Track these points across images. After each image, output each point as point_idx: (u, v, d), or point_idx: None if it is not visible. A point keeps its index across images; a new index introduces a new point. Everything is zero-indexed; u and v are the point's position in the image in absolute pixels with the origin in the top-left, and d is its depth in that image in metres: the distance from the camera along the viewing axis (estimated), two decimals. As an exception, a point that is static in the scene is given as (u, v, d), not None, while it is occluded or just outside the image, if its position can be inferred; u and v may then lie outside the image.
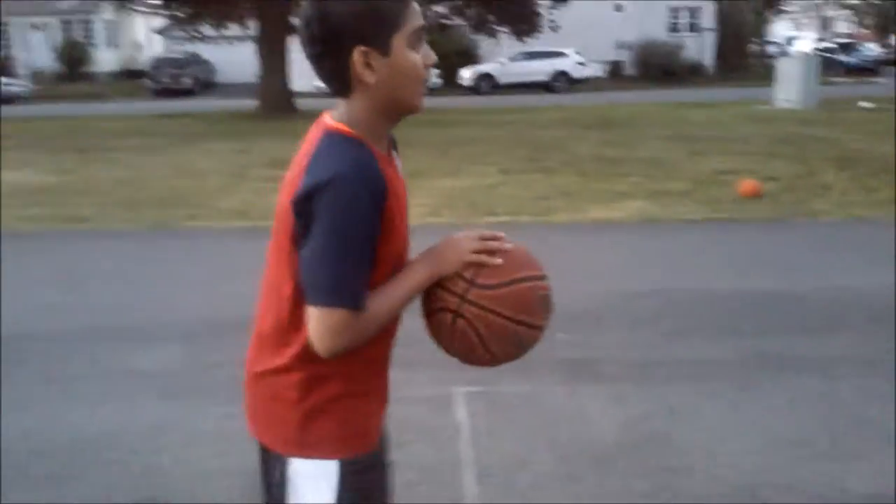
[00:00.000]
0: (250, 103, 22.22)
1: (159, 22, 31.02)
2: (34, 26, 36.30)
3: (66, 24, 36.86)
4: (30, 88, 30.34)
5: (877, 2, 55.24)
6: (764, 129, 15.14)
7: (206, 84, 33.39)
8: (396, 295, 1.49)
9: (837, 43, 40.86)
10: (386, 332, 1.56)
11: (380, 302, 1.47)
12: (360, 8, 1.42)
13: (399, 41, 1.45)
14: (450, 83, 31.39)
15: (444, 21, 24.70)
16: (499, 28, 24.09)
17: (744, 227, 7.47)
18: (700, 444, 3.35)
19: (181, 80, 31.31)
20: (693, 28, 36.53)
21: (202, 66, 33.64)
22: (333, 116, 1.51)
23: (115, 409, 3.77)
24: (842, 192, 8.89)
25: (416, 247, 1.58)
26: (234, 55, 32.43)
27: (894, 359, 4.13)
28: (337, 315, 1.42)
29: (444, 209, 8.19)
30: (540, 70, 29.90)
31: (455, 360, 1.59)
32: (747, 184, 8.88)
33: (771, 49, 43.58)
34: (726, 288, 5.45)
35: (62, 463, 3.28)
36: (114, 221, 8.05)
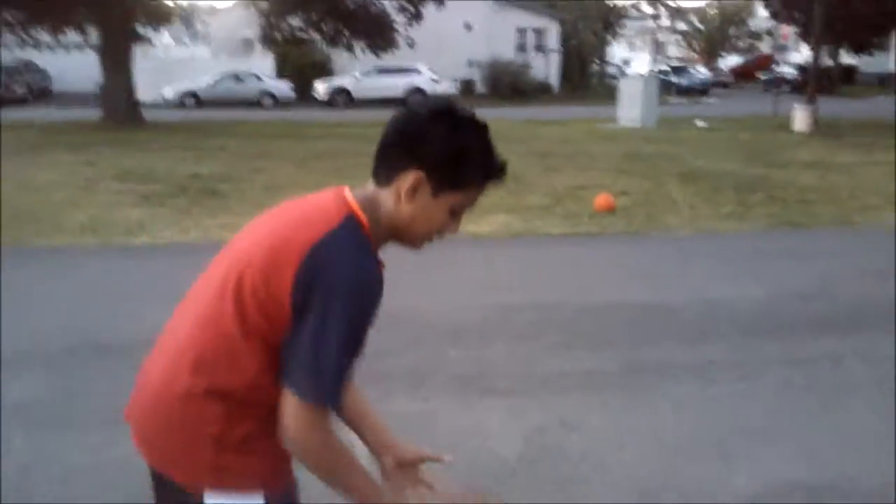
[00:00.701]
0: (92, 113, 21.09)
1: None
2: None
3: None
4: None
5: (702, 28, 59.24)
6: (611, 146, 15.86)
7: (41, 92, 31.48)
8: (358, 485, 1.51)
9: (670, 66, 43.42)
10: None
11: (350, 468, 1.50)
12: (451, 154, 1.48)
13: (447, 200, 1.51)
14: (304, 97, 31.04)
15: (299, 34, 24.43)
16: (354, 42, 24.06)
17: (604, 241, 7.79)
18: (595, 454, 3.44)
19: (13, 89, 29.33)
20: (539, 48, 37.86)
21: (37, 74, 31.70)
22: (356, 198, 1.51)
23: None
24: (690, 207, 9.43)
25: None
26: (71, 63, 30.79)
27: (764, 362, 4.41)
28: (307, 410, 1.42)
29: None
30: (395, 85, 30.03)
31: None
32: (602, 198, 9.26)
33: (610, 69, 45.81)
34: (600, 301, 5.65)
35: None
36: (-49, 240, 7.41)
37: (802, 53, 43.86)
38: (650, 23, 58.93)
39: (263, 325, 1.44)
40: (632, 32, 64.58)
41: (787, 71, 39.62)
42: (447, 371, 4.24)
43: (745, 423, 3.73)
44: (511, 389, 4.10)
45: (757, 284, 6.10)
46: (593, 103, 30.27)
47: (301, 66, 32.80)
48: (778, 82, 30.59)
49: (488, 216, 8.70)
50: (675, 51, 66.31)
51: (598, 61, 44.25)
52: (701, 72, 41.92)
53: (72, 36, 22.62)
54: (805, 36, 30.22)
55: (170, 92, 29.52)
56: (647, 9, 56.37)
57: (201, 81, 30.23)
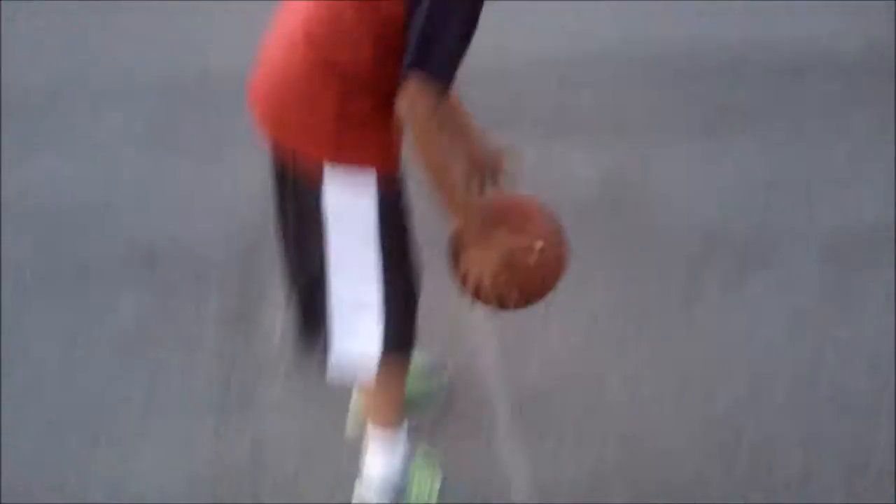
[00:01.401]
0: None
1: None
2: None
3: None
4: None
5: None
6: None
7: None
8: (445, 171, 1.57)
9: None
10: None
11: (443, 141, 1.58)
12: None
13: None
14: None
15: None
16: None
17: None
18: (671, 194, 3.50)
19: None
20: None
21: None
22: None
23: (99, 168, 3.71)
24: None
25: None
26: None
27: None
28: (431, 88, 1.42)
29: None
30: None
31: None
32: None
33: None
34: (687, 35, 5.30)
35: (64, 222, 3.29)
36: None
37: None
38: None
39: None
40: None
41: None
42: (528, 110, 4.24)
43: (833, 169, 3.70)
44: (591, 127, 4.09)
45: (859, 21, 5.69)
46: None
47: None
48: None
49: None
50: None
51: None
52: None
53: None
54: None
55: None
56: None
57: None
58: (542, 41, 4.82)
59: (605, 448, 2.30)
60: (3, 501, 2.16)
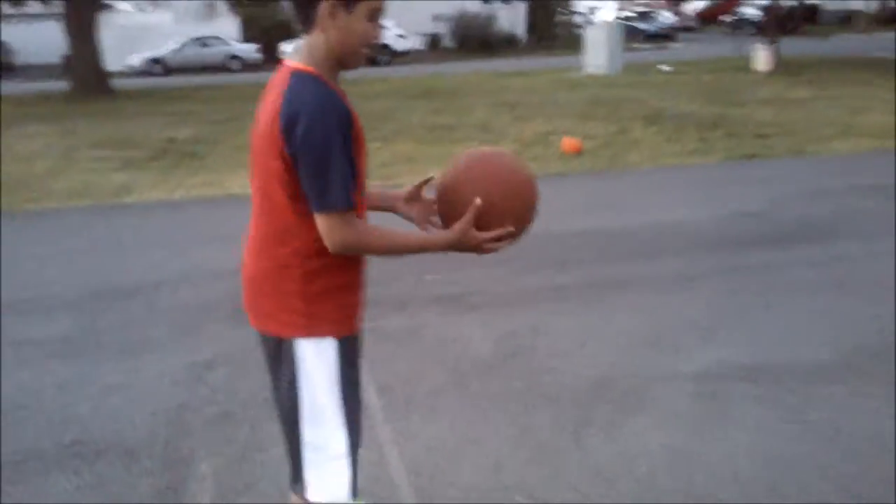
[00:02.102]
0: (58, 84, 21.16)
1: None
2: None
3: None
4: None
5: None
6: (578, 93, 16.30)
7: (6, 67, 31.25)
8: (396, 241, 1.91)
9: (636, 12, 43.66)
10: None
11: (383, 235, 1.89)
12: None
13: (361, 9, 1.84)
14: (271, 58, 31.03)
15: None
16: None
17: (570, 179, 8.29)
18: (561, 349, 3.98)
19: (-25, 64, 29.17)
20: (505, 0, 37.93)
21: (-2, 48, 31.46)
22: (295, 58, 1.89)
23: (26, 373, 3.92)
24: (652, 146, 9.95)
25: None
26: (34, 34, 30.56)
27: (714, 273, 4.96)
28: (332, 218, 1.82)
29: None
30: (361, 43, 30.08)
31: None
32: (568, 142, 9.75)
33: (577, 18, 45.90)
34: (565, 229, 6.16)
35: (-22, 423, 3.44)
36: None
37: (766, -6, 44.16)
38: (615, -31, 58.84)
39: (293, 184, 1.83)
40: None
41: (751, 13, 40.00)
42: (429, 293, 4.75)
43: (694, 321, 4.29)
44: (485, 304, 4.62)
45: (710, 208, 6.66)
46: (560, 53, 30.57)
47: (267, 28, 32.77)
48: (741, 24, 30.97)
49: (460, 163, 9.15)
50: (641, -3, 66.30)
51: (564, 10, 44.35)
52: (666, 17, 42.24)
53: (33, 6, 22.51)
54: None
55: (135, 59, 29.49)
56: (611, -45, 56.29)
57: (166, 47, 30.20)
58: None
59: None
60: None
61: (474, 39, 34.43)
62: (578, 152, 9.52)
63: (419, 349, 4.09)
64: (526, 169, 2.09)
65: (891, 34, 32.49)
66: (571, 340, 4.10)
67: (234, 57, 30.13)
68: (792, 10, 41.10)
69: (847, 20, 41.52)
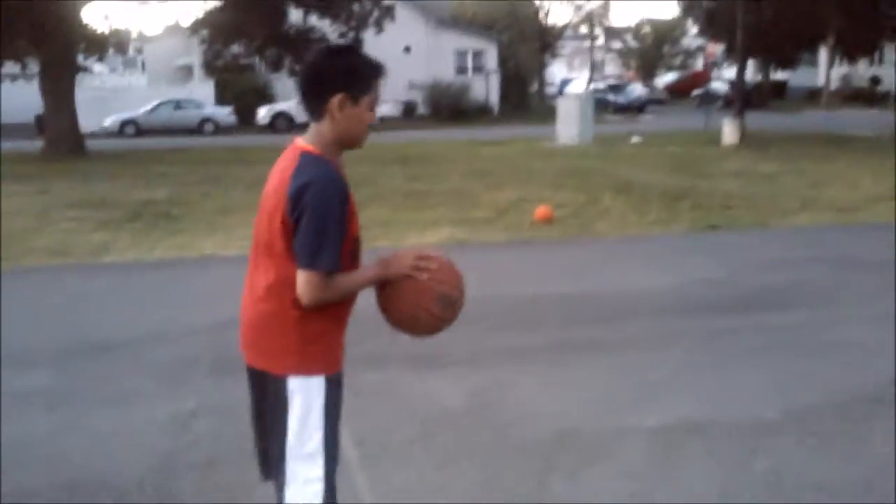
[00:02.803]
0: (32, 144, 21.46)
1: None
2: None
3: None
4: None
5: (636, 47, 61.29)
6: (550, 163, 16.90)
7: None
8: (356, 280, 2.28)
9: (608, 85, 45.09)
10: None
11: (346, 279, 2.25)
12: (352, 72, 2.25)
13: (365, 101, 2.25)
14: (246, 122, 31.61)
15: (241, 62, 25.11)
16: (297, 68, 24.86)
17: (540, 247, 8.69)
18: (527, 404, 4.29)
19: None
20: (478, 70, 39.07)
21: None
22: (305, 140, 2.28)
23: (14, 422, 4.15)
24: (620, 215, 10.42)
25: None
26: (10, 94, 30.93)
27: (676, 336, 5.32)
28: (316, 276, 2.18)
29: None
30: (336, 109, 30.76)
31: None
32: (540, 210, 10.20)
33: (549, 89, 47.28)
34: (532, 293, 6.53)
35: (-30, 467, 3.67)
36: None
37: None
38: (587, 43, 60.85)
39: (291, 245, 2.19)
40: (569, 52, 66.52)
41: (720, 87, 41.51)
42: (400, 352, 5.06)
43: (651, 380, 4.63)
44: (455, 362, 4.93)
45: (671, 276, 7.07)
46: (533, 123, 31.47)
47: (242, 93, 33.43)
48: (710, 98, 32.16)
49: (433, 229, 9.56)
50: (613, 69, 68.47)
51: (536, 82, 45.69)
52: (637, 90, 43.65)
53: (9, 66, 22.91)
54: (731, 52, 31.90)
55: (109, 121, 29.91)
56: (584, 29, 58.27)
57: (140, 109, 30.67)
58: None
59: None
60: None
61: (447, 108, 35.34)
62: (550, 221, 9.95)
63: (392, 403, 4.38)
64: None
65: (853, 111, 33.89)
66: (536, 396, 4.42)
67: (208, 120, 30.65)
68: (759, 85, 42.80)
69: (813, 96, 43.18)
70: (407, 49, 36.48)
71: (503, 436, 3.95)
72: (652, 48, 61.72)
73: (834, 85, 42.35)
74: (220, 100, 33.34)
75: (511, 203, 11.43)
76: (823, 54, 42.89)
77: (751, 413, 4.17)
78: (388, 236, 9.02)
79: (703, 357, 5.03)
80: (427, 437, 3.96)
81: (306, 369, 2.30)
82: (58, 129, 20.20)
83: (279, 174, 2.26)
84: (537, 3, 48.59)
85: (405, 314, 2.33)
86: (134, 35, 36.77)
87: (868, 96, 41.57)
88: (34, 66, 21.04)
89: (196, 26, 25.54)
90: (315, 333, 2.29)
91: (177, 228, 9.93)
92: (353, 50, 2.33)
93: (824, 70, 42.43)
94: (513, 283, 6.93)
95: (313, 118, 2.29)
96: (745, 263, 7.58)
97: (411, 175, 15.17)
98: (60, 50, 19.78)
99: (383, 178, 14.80)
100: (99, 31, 23.77)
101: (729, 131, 20.53)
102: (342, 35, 24.87)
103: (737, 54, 24.55)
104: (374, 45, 29.79)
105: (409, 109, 35.83)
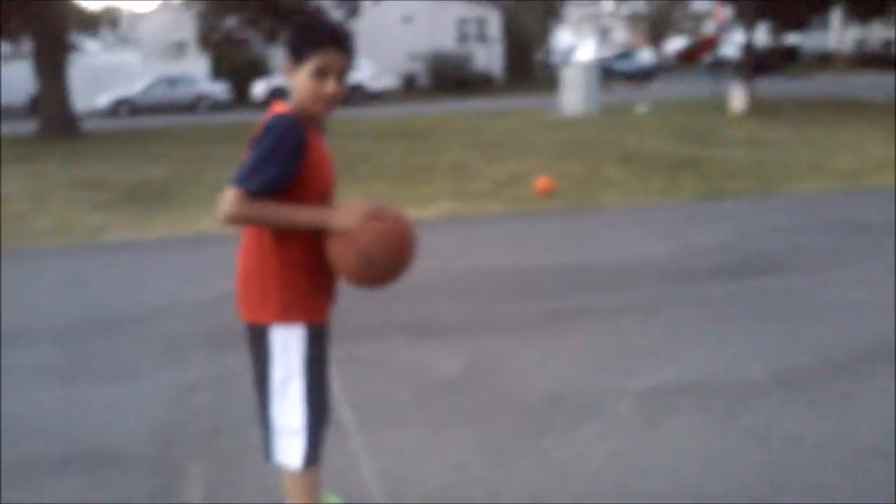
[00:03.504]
0: (24, 126, 21.65)
1: None
2: None
3: None
4: None
5: (646, 13, 60.98)
6: (553, 134, 17.04)
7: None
8: (291, 213, 2.40)
9: (616, 53, 44.99)
10: (302, 240, 2.47)
11: (277, 207, 2.39)
12: (295, 35, 2.45)
13: (305, 67, 2.42)
14: (241, 98, 31.74)
15: (234, 37, 25.21)
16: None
17: (540, 218, 8.88)
18: (519, 372, 4.50)
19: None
20: (481, 38, 39.04)
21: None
22: (283, 104, 2.50)
23: (19, 394, 4.38)
24: (623, 186, 10.59)
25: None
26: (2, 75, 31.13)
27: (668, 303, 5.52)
28: (236, 192, 2.35)
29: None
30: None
31: None
32: (541, 182, 10.37)
33: (555, 58, 47.17)
34: (532, 264, 6.73)
35: (-20, 439, 3.90)
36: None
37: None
38: (594, 8, 60.55)
39: None
40: (576, 18, 66.20)
41: (731, 52, 41.42)
42: (397, 322, 5.27)
43: (645, 346, 4.83)
44: (451, 332, 5.14)
45: (671, 244, 7.26)
46: (537, 93, 31.55)
47: (237, 67, 33.54)
48: (720, 64, 32.14)
49: (433, 202, 9.75)
50: (622, 36, 68.14)
51: (541, 50, 45.56)
52: (645, 56, 43.59)
53: (3, 47, 23.07)
54: (741, 16, 31.82)
55: (103, 100, 30.08)
56: (590, -6, 57.95)
57: (134, 87, 30.82)
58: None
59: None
60: None
61: (450, 79, 35.37)
62: (551, 192, 10.12)
63: (388, 371, 4.59)
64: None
65: (867, 75, 33.80)
66: (531, 363, 4.63)
67: (204, 97, 30.81)
68: (770, 50, 42.66)
69: (826, 60, 43.05)
70: (406, 19, 36.47)
71: (498, 400, 4.16)
72: (660, 14, 61.44)
73: (847, 49, 42.20)
74: (216, 75, 33.46)
75: (512, 176, 11.61)
76: (836, 17, 42.69)
77: (739, 374, 4.37)
78: (387, 210, 9.21)
79: (697, 322, 5.22)
80: (423, 402, 4.17)
81: (286, 316, 2.51)
82: (52, 110, 20.40)
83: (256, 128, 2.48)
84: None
85: (330, 257, 2.47)
86: (127, 12, 36.81)
87: (882, 60, 41.44)
88: (28, 46, 21.17)
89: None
90: (293, 283, 2.50)
91: (174, 206, 10.14)
92: (308, 18, 2.59)
93: (837, 33, 42.26)
94: (510, 255, 7.12)
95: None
96: (746, 230, 7.75)
97: (411, 149, 15.34)
98: (53, 28, 19.92)
99: (382, 152, 14.98)
100: (91, 9, 23.89)
101: (737, 98, 20.62)
102: (339, 6, 24.92)
103: (748, 15, 24.52)
104: (373, 15, 29.92)
105: (409, 81, 35.89)
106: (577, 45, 56.71)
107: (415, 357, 4.78)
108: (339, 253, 2.43)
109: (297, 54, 2.41)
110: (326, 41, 2.40)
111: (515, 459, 3.56)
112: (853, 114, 18.96)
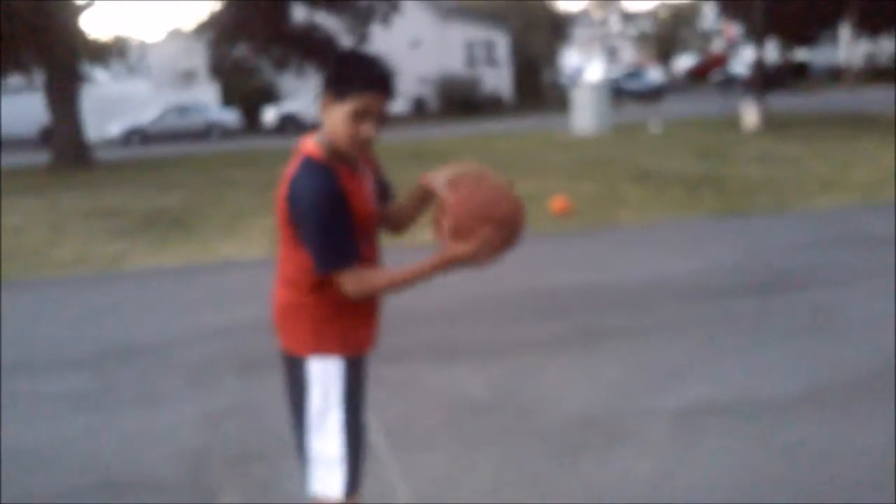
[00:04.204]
0: (39, 156, 21.83)
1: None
2: None
3: None
4: None
5: (652, 32, 61.20)
6: (566, 154, 17.09)
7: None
8: (402, 276, 2.39)
9: (625, 72, 45.15)
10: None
11: (389, 274, 2.41)
12: (341, 69, 2.39)
13: (346, 105, 2.35)
14: (252, 124, 31.95)
15: (244, 64, 25.46)
16: (304, 65, 25.20)
17: (558, 238, 8.90)
18: (549, 391, 4.51)
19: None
20: (490, 61, 39.27)
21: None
22: (315, 138, 2.48)
23: (48, 424, 4.42)
24: (640, 204, 10.61)
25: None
26: (15, 107, 31.46)
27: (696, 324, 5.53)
28: (339, 275, 2.40)
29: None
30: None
31: None
32: (557, 202, 10.40)
33: (563, 78, 47.37)
34: (554, 285, 6.75)
35: (18, 466, 3.93)
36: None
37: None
38: (602, 29, 60.85)
39: (299, 242, 2.43)
40: (584, 39, 66.53)
41: (740, 69, 41.52)
42: (423, 345, 5.29)
43: (673, 365, 4.83)
44: (477, 353, 5.16)
45: (693, 262, 7.27)
46: (547, 113, 31.66)
47: (247, 94, 33.81)
48: (729, 81, 32.21)
49: (450, 225, 9.77)
50: (629, 55, 68.40)
51: (550, 70, 45.78)
52: (654, 75, 43.71)
53: (14, 79, 23.35)
54: (750, 33, 31.92)
55: (114, 129, 30.36)
56: (598, 14, 58.26)
57: (145, 116, 31.09)
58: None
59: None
60: None
61: (458, 101, 35.55)
62: (567, 212, 10.15)
63: (417, 394, 4.61)
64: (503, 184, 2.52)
65: (878, 90, 33.81)
66: (559, 383, 4.64)
67: (215, 124, 31.04)
68: (780, 66, 42.73)
69: (836, 75, 43.10)
70: (415, 43, 36.73)
71: (528, 421, 4.17)
72: (668, 32, 61.68)
73: (857, 63, 42.26)
74: (226, 102, 33.73)
75: (528, 196, 11.62)
76: (845, 32, 42.79)
77: (770, 392, 4.37)
78: (408, 234, 9.25)
79: (724, 340, 5.23)
80: (453, 424, 4.18)
81: (323, 349, 2.53)
82: (65, 140, 20.59)
83: (285, 179, 2.48)
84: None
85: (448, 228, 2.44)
86: (136, 41, 37.21)
87: (892, 74, 41.45)
88: (39, 78, 21.42)
89: (201, 28, 25.92)
90: (328, 317, 2.51)
91: (192, 234, 10.21)
92: (354, 54, 2.42)
93: (846, 48, 42.34)
94: (531, 276, 7.14)
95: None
96: (766, 247, 7.75)
97: (426, 171, 15.38)
98: (64, 59, 20.14)
99: (396, 174, 15.00)
100: (101, 39, 24.19)
101: (750, 115, 20.64)
102: (349, 31, 25.15)
103: (757, 32, 24.59)
104: (382, 40, 30.10)
105: (419, 105, 36.10)
106: (584, 66, 56.93)
107: (441, 380, 4.80)
108: (479, 256, 2.46)
109: (340, 92, 2.34)
110: (373, 83, 2.34)
111: (551, 482, 3.57)
112: (866, 128, 18.96)
